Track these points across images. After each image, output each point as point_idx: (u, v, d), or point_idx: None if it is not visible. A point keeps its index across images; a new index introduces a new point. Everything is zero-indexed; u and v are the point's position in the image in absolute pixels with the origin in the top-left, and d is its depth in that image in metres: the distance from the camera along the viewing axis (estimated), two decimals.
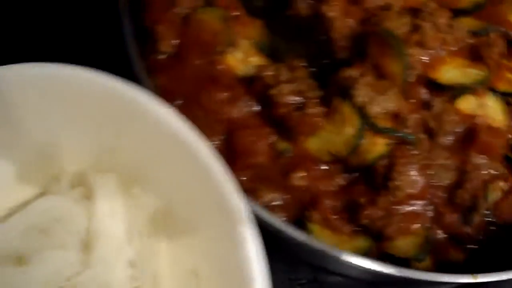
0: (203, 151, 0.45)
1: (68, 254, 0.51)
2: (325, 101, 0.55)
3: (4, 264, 0.50)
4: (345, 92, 0.54)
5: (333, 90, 0.56)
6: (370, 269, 0.48)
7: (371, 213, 0.52)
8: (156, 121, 0.47)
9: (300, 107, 0.55)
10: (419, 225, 0.54)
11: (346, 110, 0.54)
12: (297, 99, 0.55)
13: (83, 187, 0.55)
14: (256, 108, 0.57)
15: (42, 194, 0.56)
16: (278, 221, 0.47)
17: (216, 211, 0.45)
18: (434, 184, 0.56)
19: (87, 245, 0.52)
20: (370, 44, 0.59)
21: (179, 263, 0.54)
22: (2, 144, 0.52)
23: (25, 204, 0.55)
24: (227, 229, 0.44)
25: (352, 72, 0.56)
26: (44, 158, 0.55)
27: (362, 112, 0.54)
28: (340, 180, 0.55)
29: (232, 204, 0.43)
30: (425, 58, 0.59)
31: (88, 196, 0.55)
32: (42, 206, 0.53)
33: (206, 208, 0.47)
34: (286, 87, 0.55)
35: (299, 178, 0.53)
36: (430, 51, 0.60)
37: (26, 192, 0.56)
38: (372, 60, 0.57)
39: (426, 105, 0.58)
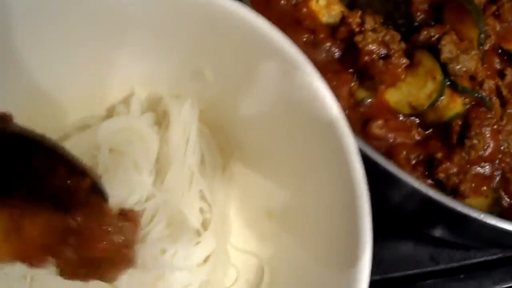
0: (307, 68, 0.41)
1: (141, 176, 0.48)
2: (408, 55, 0.55)
3: None
4: (431, 47, 0.54)
5: (416, 45, 0.56)
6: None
7: (448, 168, 0.52)
8: (249, 30, 0.42)
9: (384, 57, 0.55)
10: (489, 187, 0.54)
11: (430, 64, 0.54)
12: (381, 48, 0.54)
13: (154, 113, 0.53)
14: (338, 54, 0.56)
15: (108, 117, 0.53)
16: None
17: (318, 137, 0.43)
18: (504, 150, 0.56)
19: (159, 171, 0.50)
20: (448, 10, 0.59)
21: (251, 202, 0.52)
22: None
23: (87, 125, 0.53)
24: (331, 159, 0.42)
25: (436, 31, 0.56)
26: (114, 79, 0.53)
27: (445, 68, 0.54)
28: (417, 134, 0.54)
29: (340, 132, 0.41)
30: (499, 29, 0.60)
31: (160, 122, 0.53)
32: (112, 126, 0.51)
33: (304, 134, 0.45)
34: (371, 35, 0.54)
35: (378, 126, 0.53)
36: (505, 24, 0.61)
37: (90, 112, 0.54)
38: (449, 25, 0.57)
39: (499, 74, 0.59)
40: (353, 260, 0.40)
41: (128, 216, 0.45)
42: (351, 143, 0.40)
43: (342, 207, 0.42)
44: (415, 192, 0.46)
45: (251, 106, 0.49)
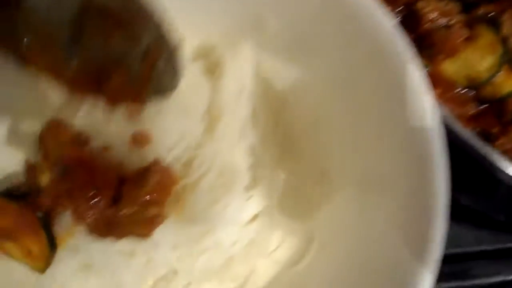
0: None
1: (191, 121, 0.45)
2: (468, 26, 0.54)
3: None
4: (491, 21, 0.53)
5: (476, 18, 0.54)
6: None
7: (504, 143, 0.51)
8: None
9: (444, 26, 0.53)
10: None
11: (491, 37, 0.53)
12: (442, 18, 0.53)
13: (207, 61, 0.50)
14: (398, 19, 0.54)
15: None
16: None
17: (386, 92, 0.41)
18: None
19: (210, 120, 0.47)
20: None
21: (304, 162, 0.50)
22: None
23: None
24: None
25: (495, 8, 0.55)
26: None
27: (505, 43, 0.52)
28: (472, 108, 0.53)
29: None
30: None
31: (212, 71, 0.50)
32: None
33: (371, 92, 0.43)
34: (433, 3, 0.53)
35: (435, 95, 0.51)
36: None
37: None
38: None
39: None
40: (420, 234, 0.38)
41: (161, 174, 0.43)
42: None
43: (413, 169, 0.40)
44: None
45: (315, 66, 0.47)
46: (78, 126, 0.45)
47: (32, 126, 0.50)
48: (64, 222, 0.45)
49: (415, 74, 0.40)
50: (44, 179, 0.45)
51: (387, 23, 0.41)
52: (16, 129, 0.49)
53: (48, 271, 0.46)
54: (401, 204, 0.41)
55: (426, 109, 0.39)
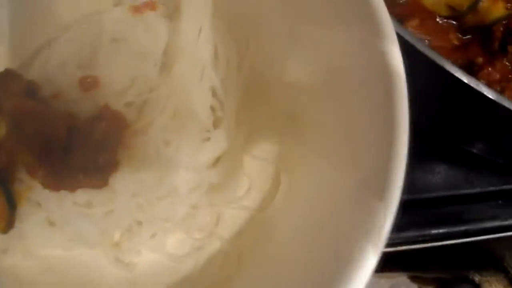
0: None
1: (145, 65, 0.43)
2: None
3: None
4: None
5: None
6: None
7: (489, 73, 0.46)
8: None
9: None
10: None
11: None
12: None
13: (164, 6, 0.47)
14: None
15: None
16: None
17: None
18: None
19: (166, 64, 0.45)
20: None
21: (270, 105, 0.47)
22: None
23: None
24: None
25: None
26: None
27: None
28: (455, 39, 0.49)
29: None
30: None
31: (170, 16, 0.47)
32: (115, 16, 0.46)
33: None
34: None
35: (413, 26, 0.47)
36: None
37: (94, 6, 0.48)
38: None
39: None
40: (384, 169, 0.34)
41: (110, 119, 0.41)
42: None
43: (377, 100, 0.36)
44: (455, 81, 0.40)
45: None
46: (29, 76, 0.43)
47: None
48: (21, 176, 0.44)
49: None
50: None
51: None
52: None
53: (14, 230, 0.45)
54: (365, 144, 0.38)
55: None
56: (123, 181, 0.42)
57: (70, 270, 0.47)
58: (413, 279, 0.70)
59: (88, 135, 0.40)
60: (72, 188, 0.41)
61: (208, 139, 0.43)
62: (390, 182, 0.34)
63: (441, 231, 0.50)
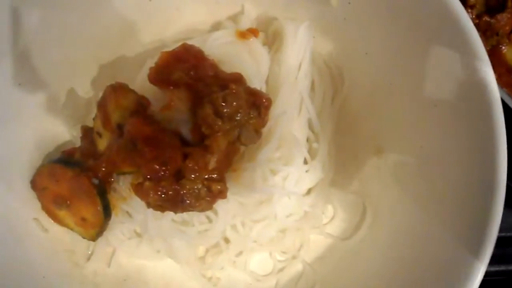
0: None
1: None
2: None
3: None
4: None
5: None
6: None
7: None
8: None
9: None
10: None
11: None
12: None
13: (264, 33, 0.49)
14: None
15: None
16: None
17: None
18: None
19: (269, 91, 0.47)
20: None
21: (358, 136, 0.49)
22: None
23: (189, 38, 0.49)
24: None
25: None
26: None
27: None
28: None
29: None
30: None
31: (269, 44, 0.49)
32: (221, 38, 0.48)
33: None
34: None
35: None
36: None
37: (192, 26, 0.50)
38: None
39: None
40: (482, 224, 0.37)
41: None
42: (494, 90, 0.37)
43: (477, 156, 0.38)
44: None
45: (369, 37, 0.46)
46: (138, 90, 0.44)
47: (86, 93, 0.50)
48: (119, 188, 0.45)
49: (478, 44, 0.38)
50: (102, 143, 0.45)
51: None
52: (70, 96, 0.49)
53: (101, 238, 0.46)
54: (459, 183, 0.40)
55: (488, 81, 0.38)
56: (226, 204, 0.44)
57: (150, 280, 0.48)
58: None
59: (202, 163, 0.41)
60: (180, 211, 0.42)
61: (308, 170, 0.45)
62: (486, 238, 0.36)
63: None
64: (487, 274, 0.38)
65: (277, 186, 0.43)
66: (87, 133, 0.47)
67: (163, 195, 0.41)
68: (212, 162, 0.41)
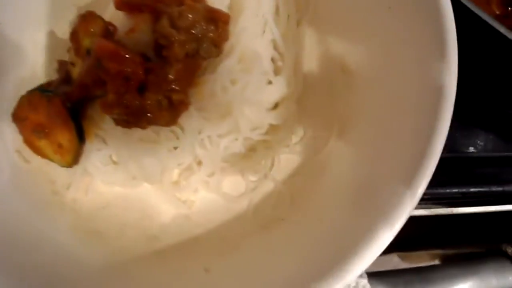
0: None
1: None
2: None
3: None
4: None
5: None
6: None
7: None
8: None
9: None
10: None
11: None
12: None
13: None
14: None
15: None
16: None
17: None
18: None
19: (232, 14, 0.48)
20: None
21: (324, 58, 0.50)
22: None
23: None
24: None
25: None
26: None
27: None
28: (496, 9, 0.52)
29: None
30: None
31: None
32: None
33: None
34: None
35: None
36: None
37: None
38: None
39: None
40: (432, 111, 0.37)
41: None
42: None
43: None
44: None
45: None
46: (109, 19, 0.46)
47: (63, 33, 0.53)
48: (92, 113, 0.47)
49: None
50: (75, 72, 0.47)
51: None
52: (50, 35, 0.52)
53: (78, 167, 0.48)
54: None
55: None
56: (190, 119, 0.45)
57: (128, 206, 0.50)
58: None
59: (163, 75, 0.43)
60: (144, 125, 0.44)
61: (270, 82, 0.46)
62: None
63: (478, 189, 0.52)
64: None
65: (236, 94, 0.44)
66: (63, 65, 0.49)
67: (127, 108, 0.43)
68: (171, 72, 0.43)
